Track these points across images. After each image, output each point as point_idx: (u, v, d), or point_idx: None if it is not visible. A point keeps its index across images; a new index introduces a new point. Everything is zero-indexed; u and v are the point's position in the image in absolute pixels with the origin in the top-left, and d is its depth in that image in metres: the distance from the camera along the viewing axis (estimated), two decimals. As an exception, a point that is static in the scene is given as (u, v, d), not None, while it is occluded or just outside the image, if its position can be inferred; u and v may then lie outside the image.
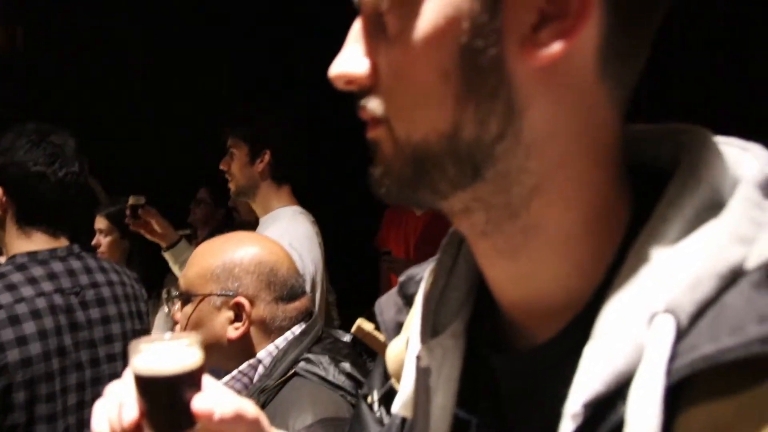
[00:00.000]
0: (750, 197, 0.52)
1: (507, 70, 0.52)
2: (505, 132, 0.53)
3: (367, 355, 1.48)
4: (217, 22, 4.26)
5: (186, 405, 0.67)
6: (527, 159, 0.54)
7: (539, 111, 0.53)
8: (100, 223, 3.27)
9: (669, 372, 0.46)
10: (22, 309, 1.72)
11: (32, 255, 1.83)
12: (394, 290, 0.81)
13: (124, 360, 1.93)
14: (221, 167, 2.53)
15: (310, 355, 1.44)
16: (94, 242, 3.23)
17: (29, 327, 1.71)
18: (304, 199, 2.60)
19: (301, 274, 2.23)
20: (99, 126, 4.07)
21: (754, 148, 0.58)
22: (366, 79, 0.56)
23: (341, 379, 1.42)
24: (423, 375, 0.66)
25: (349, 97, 0.59)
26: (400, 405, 0.69)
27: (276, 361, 1.45)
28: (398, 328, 0.77)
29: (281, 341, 1.48)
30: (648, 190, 0.56)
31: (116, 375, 1.91)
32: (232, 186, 2.53)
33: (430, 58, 0.52)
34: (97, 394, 2.00)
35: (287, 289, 1.50)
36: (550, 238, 0.57)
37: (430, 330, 0.66)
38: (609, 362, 0.49)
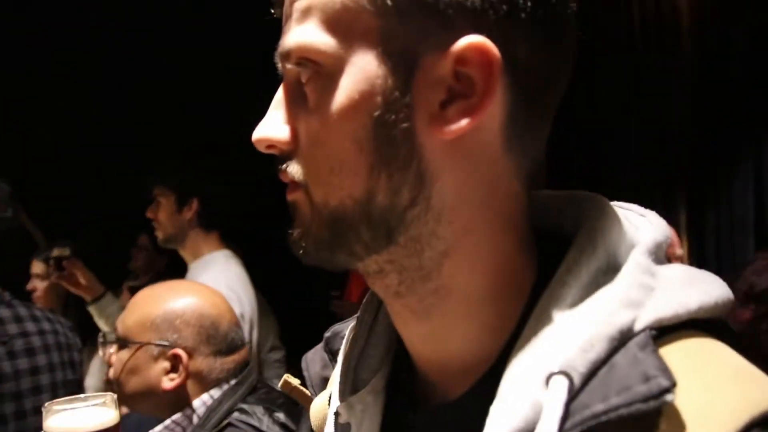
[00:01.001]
0: (641, 263, 0.56)
1: (418, 143, 0.55)
2: (416, 200, 0.56)
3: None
4: (156, 61, 4.24)
5: None
6: (437, 225, 0.57)
7: (448, 181, 0.56)
8: (37, 267, 3.18)
9: (562, 430, 0.49)
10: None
11: (-41, 303, 1.79)
12: (320, 345, 0.82)
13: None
14: (148, 215, 2.53)
15: (244, 406, 1.44)
16: (29, 287, 3.14)
17: None
18: (256, 252, 2.59)
19: (242, 315, 2.22)
20: (38, 169, 3.99)
21: (649, 215, 0.63)
22: (286, 144, 0.59)
23: (275, 430, 1.41)
24: (343, 431, 0.67)
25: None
26: None
27: (210, 411, 1.44)
28: (324, 383, 0.79)
29: (216, 391, 1.47)
30: (552, 254, 0.59)
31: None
32: (159, 234, 2.54)
33: (345, 129, 0.55)
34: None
35: (227, 343, 1.50)
36: (460, 300, 0.59)
37: (350, 387, 0.68)
38: (510, 421, 0.52)
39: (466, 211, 0.57)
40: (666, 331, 0.54)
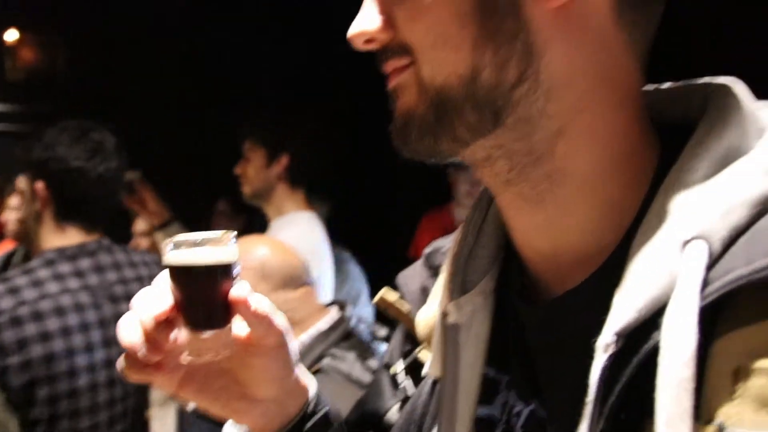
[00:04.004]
0: None
1: (524, 13, 0.52)
2: (524, 76, 0.53)
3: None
4: (239, 23, 4.24)
5: (221, 298, 0.63)
6: (547, 103, 0.53)
7: (557, 54, 0.53)
8: (140, 225, 3.27)
9: (703, 295, 0.45)
10: (46, 305, 1.71)
11: (61, 251, 1.82)
12: (418, 263, 0.80)
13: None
14: (236, 172, 2.54)
15: (336, 351, 1.41)
16: (131, 245, 3.22)
17: (53, 323, 1.70)
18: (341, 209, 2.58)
19: (319, 277, 2.22)
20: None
21: None
22: (381, 32, 0.56)
23: (367, 377, 1.37)
24: (452, 332, 0.64)
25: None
26: (430, 365, 0.68)
27: (300, 355, 1.41)
28: (424, 298, 0.76)
29: (305, 337, 1.44)
30: (675, 141, 0.55)
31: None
32: (246, 189, 2.54)
33: (447, 1, 0.53)
34: (129, 391, 1.94)
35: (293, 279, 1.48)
36: (576, 183, 0.55)
37: (459, 288, 0.65)
38: (642, 291, 0.48)
39: (578, 87, 0.54)
40: None
